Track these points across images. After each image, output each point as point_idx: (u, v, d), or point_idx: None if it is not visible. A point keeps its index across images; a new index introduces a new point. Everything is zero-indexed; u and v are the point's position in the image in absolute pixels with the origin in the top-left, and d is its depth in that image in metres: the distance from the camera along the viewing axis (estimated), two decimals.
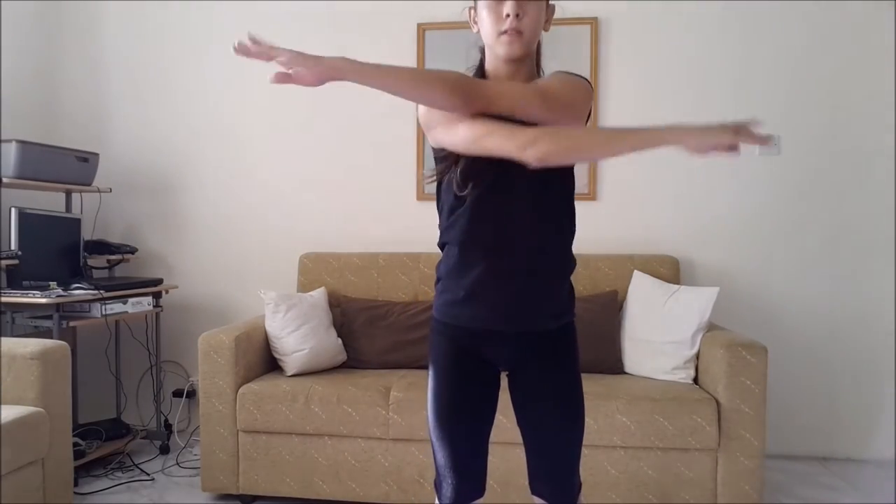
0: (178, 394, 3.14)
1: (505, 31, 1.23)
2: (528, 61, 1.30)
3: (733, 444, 2.13)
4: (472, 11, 1.31)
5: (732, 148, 1.06)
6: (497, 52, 1.27)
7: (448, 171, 1.27)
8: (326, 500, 2.32)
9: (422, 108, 1.26)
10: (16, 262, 2.54)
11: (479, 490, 1.37)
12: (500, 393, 1.37)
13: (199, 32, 3.17)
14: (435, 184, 1.34)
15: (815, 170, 2.86)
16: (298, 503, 2.36)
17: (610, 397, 2.19)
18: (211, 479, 2.37)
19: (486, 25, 1.26)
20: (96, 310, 2.54)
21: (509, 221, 1.26)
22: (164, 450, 2.93)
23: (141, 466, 2.75)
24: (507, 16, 1.22)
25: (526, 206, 1.26)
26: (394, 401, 2.26)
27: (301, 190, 3.12)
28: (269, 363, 2.57)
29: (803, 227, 2.87)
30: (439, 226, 1.35)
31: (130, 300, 2.72)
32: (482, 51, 1.33)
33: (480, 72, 1.33)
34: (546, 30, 1.31)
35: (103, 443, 2.76)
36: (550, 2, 1.30)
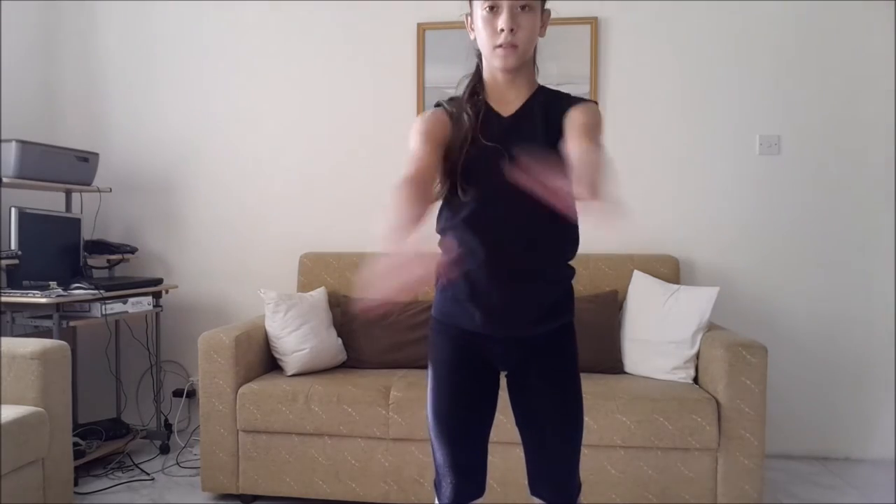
0: (178, 394, 3.14)
1: (500, 45, 1.24)
2: (525, 68, 1.31)
3: (733, 444, 2.13)
4: (469, 18, 1.32)
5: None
6: (493, 64, 1.28)
7: (450, 177, 1.27)
8: (326, 499, 2.33)
9: None
10: (16, 262, 2.54)
11: (479, 489, 1.37)
12: (500, 392, 1.37)
13: (198, 33, 3.17)
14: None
15: (815, 170, 2.86)
16: (298, 503, 2.36)
17: (610, 397, 2.19)
18: (211, 479, 2.37)
19: (481, 37, 1.27)
20: (96, 310, 2.54)
21: (506, 225, 1.26)
22: (164, 450, 2.93)
23: (141, 466, 2.75)
24: (502, 30, 1.23)
25: (523, 209, 1.24)
26: (394, 401, 2.26)
27: (301, 190, 3.12)
28: (269, 363, 2.57)
29: (803, 227, 2.87)
30: (436, 228, 1.35)
31: (130, 300, 2.72)
32: (479, 57, 1.34)
33: (478, 78, 1.33)
34: (542, 35, 1.31)
35: (103, 443, 2.76)
36: (546, 6, 1.30)
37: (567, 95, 1.33)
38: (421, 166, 1.18)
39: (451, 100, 1.34)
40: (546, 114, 1.28)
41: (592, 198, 0.96)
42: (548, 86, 1.36)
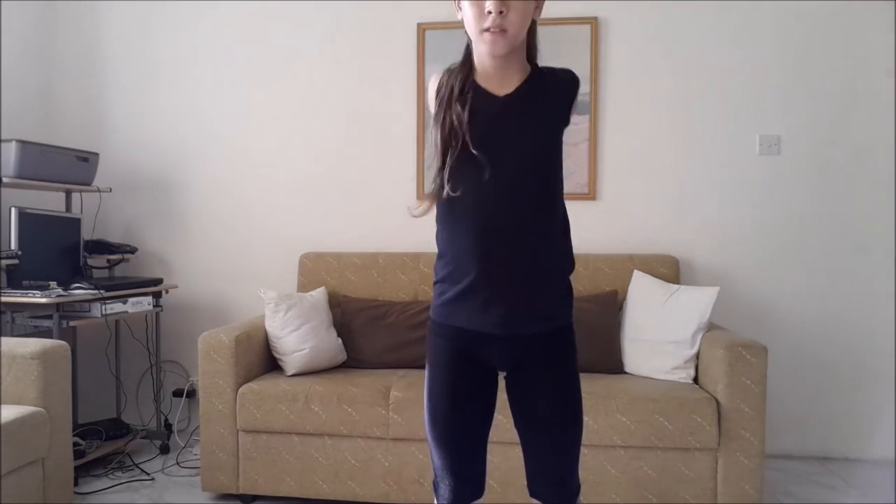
0: (178, 394, 3.14)
1: (487, 29, 1.17)
2: (516, 53, 1.25)
3: (733, 443, 2.13)
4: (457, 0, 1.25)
5: None
6: (480, 49, 1.23)
7: (439, 175, 1.25)
8: (326, 499, 2.33)
9: None
10: (16, 262, 2.54)
11: (478, 491, 1.37)
12: (499, 392, 1.36)
13: (198, 32, 3.17)
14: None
15: (815, 170, 2.86)
16: (298, 503, 2.36)
17: (610, 397, 2.19)
18: (211, 479, 2.37)
19: (468, 20, 1.21)
20: (96, 310, 2.54)
21: (499, 224, 1.24)
22: (164, 450, 2.93)
23: (141, 466, 2.75)
24: (490, 13, 1.16)
25: (516, 209, 1.24)
26: (394, 401, 2.26)
27: (301, 190, 3.12)
28: (269, 363, 2.57)
29: (803, 226, 2.87)
30: (436, 235, 1.34)
31: (130, 300, 2.72)
32: (469, 43, 1.27)
33: (468, 65, 1.27)
34: (537, 17, 1.25)
35: (103, 443, 2.76)
36: None
37: (557, 70, 1.28)
38: None
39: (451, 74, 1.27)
40: (542, 95, 1.25)
41: None
42: (539, 64, 1.31)
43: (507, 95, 1.24)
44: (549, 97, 1.26)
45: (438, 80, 1.28)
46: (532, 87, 1.25)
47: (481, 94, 1.24)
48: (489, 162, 1.20)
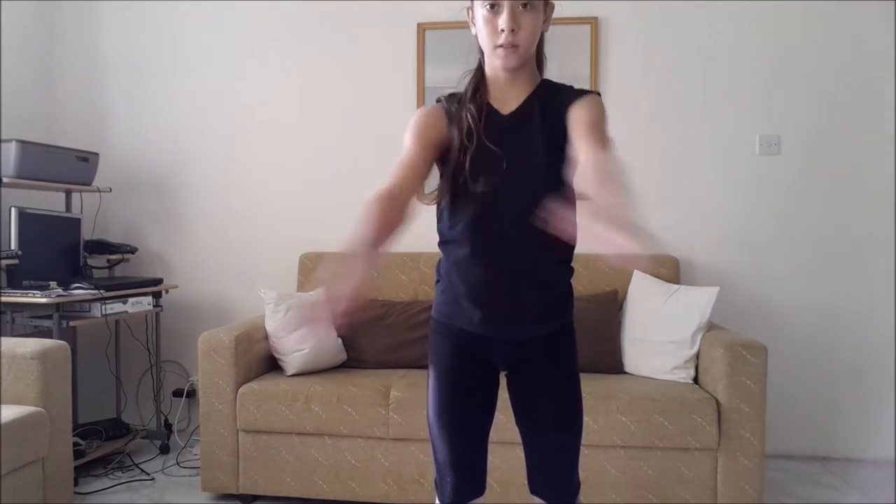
0: (178, 393, 3.14)
1: (501, 45, 1.22)
2: (527, 65, 1.29)
3: (733, 443, 2.13)
4: (470, 12, 1.29)
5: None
6: (494, 63, 1.27)
7: (450, 179, 1.26)
8: (326, 499, 2.33)
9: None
10: (16, 261, 2.54)
11: (480, 489, 1.37)
12: (500, 392, 1.37)
13: (198, 32, 3.17)
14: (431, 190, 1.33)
15: (815, 170, 2.86)
16: (298, 503, 2.36)
17: (610, 397, 2.19)
18: (211, 479, 2.37)
19: (482, 35, 1.25)
20: (96, 310, 2.54)
21: (505, 227, 1.24)
22: (164, 449, 2.93)
23: (141, 466, 2.75)
24: (503, 30, 1.20)
25: (519, 221, 1.24)
26: (394, 401, 2.26)
27: (301, 190, 3.12)
28: (269, 363, 2.57)
29: (803, 226, 2.87)
30: (437, 228, 1.35)
31: (130, 300, 2.72)
32: (481, 52, 1.31)
33: (480, 75, 1.31)
34: (545, 29, 1.29)
35: (103, 442, 2.76)
36: (550, 0, 1.28)
37: (568, 88, 1.30)
38: (397, 184, 1.14)
39: (452, 96, 1.32)
40: (545, 111, 1.26)
41: (613, 212, 0.92)
42: (552, 79, 1.33)
43: (511, 113, 1.28)
44: (555, 113, 1.26)
45: (430, 112, 1.30)
46: (537, 101, 1.28)
47: (490, 111, 1.28)
48: (496, 176, 1.22)
